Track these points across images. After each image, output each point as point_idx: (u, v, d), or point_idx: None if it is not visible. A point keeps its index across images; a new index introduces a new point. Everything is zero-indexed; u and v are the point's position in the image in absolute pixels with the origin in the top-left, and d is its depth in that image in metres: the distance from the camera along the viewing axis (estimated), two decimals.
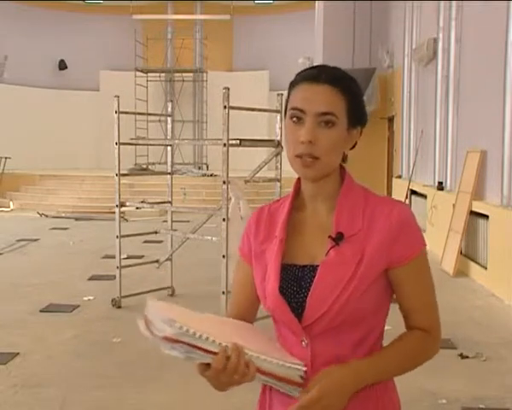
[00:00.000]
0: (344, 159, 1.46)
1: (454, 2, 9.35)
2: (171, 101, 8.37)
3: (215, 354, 1.24)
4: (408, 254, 1.38)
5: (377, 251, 1.37)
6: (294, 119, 1.39)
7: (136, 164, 19.70)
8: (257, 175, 6.06)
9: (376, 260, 1.37)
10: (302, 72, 1.45)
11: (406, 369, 1.42)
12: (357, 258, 1.36)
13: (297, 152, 1.38)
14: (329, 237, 1.39)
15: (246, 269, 1.52)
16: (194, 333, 1.22)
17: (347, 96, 1.39)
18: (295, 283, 1.41)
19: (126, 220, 12.75)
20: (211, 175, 17.65)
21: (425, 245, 1.43)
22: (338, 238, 1.38)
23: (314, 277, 1.38)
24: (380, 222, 1.38)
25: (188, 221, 11.66)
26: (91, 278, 7.90)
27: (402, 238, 1.37)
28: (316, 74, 1.40)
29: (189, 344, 1.22)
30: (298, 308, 1.39)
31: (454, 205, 8.55)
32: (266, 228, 1.50)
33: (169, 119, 7.36)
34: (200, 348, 1.23)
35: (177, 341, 1.21)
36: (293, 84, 1.44)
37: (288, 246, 1.45)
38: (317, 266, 1.39)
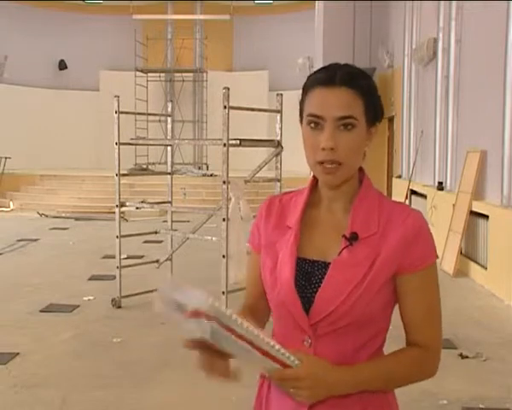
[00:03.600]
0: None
1: (454, 3, 9.35)
2: (171, 101, 8.37)
3: (242, 338, 1.20)
4: (418, 263, 1.37)
5: (390, 257, 1.35)
6: (312, 125, 1.37)
7: (136, 164, 19.70)
8: (257, 175, 6.06)
9: (388, 265, 1.36)
10: (315, 74, 1.42)
11: (397, 386, 1.41)
12: (369, 261, 1.35)
13: (319, 159, 1.35)
14: (343, 236, 1.37)
15: (257, 260, 1.51)
16: (225, 312, 1.18)
17: (364, 96, 1.37)
18: (305, 277, 1.40)
19: (126, 220, 12.75)
20: (211, 175, 17.65)
21: (436, 258, 1.41)
22: (352, 238, 1.36)
23: (324, 274, 1.37)
24: (395, 228, 1.37)
25: (188, 221, 11.67)
26: (91, 278, 7.90)
27: (415, 246, 1.36)
28: (330, 76, 1.36)
29: (220, 323, 1.17)
30: (305, 304, 1.37)
31: (454, 205, 8.55)
32: (277, 218, 1.49)
33: (169, 119, 7.36)
34: (230, 330, 1.19)
35: (208, 317, 1.16)
36: (307, 88, 1.41)
37: (300, 241, 1.44)
38: (329, 263, 1.38)
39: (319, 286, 1.37)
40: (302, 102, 1.42)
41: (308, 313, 1.36)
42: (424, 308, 1.39)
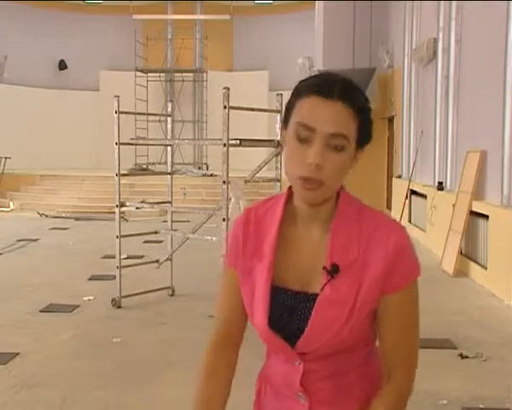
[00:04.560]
0: None
1: (454, 3, 9.35)
2: (171, 101, 8.37)
3: None
4: (403, 283, 1.32)
5: (373, 284, 1.31)
6: (301, 135, 1.27)
7: (136, 164, 19.71)
8: (257, 175, 6.06)
9: (372, 292, 1.31)
10: (310, 79, 1.32)
11: None
12: (354, 293, 1.30)
13: (302, 174, 1.26)
14: (324, 268, 1.31)
15: (235, 277, 1.44)
16: None
17: (360, 117, 1.29)
18: (287, 311, 1.36)
19: (126, 220, 12.75)
20: (211, 175, 17.65)
21: (419, 274, 1.36)
22: (333, 271, 1.30)
23: (307, 307, 1.33)
24: (376, 251, 1.31)
25: (188, 221, 11.67)
26: (91, 278, 7.89)
27: (398, 267, 1.31)
28: (328, 87, 1.27)
29: None
30: (291, 337, 1.35)
31: (454, 205, 8.55)
32: (254, 240, 1.40)
33: (169, 119, 7.36)
34: None
35: None
36: (299, 94, 1.31)
37: (279, 266, 1.36)
38: (311, 294, 1.33)
39: (303, 319, 1.33)
40: (291, 107, 1.32)
41: (295, 344, 1.34)
42: (403, 326, 1.36)
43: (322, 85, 1.28)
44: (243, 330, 1.48)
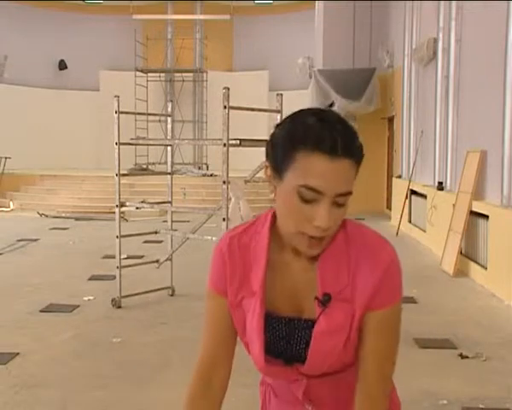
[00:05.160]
0: None
1: (454, 3, 9.35)
2: (171, 101, 8.36)
3: None
4: (383, 304, 1.31)
5: (364, 305, 1.30)
6: (306, 198, 1.20)
7: (136, 164, 19.71)
8: (257, 175, 6.06)
9: (363, 313, 1.31)
10: (305, 124, 1.22)
11: None
12: (349, 319, 1.30)
13: (308, 233, 1.23)
14: (316, 298, 1.29)
15: (221, 302, 1.38)
16: None
17: (358, 163, 1.24)
18: (283, 340, 1.36)
19: (126, 220, 12.75)
20: (211, 175, 17.65)
21: (401, 298, 1.34)
22: (325, 300, 1.29)
23: (304, 334, 1.33)
24: (365, 275, 1.29)
25: (188, 221, 11.67)
26: (91, 278, 7.89)
27: (383, 289, 1.29)
28: (332, 142, 1.18)
29: None
30: (291, 360, 1.36)
31: (454, 205, 8.55)
32: (241, 270, 1.35)
33: (169, 119, 7.36)
34: None
35: None
36: (296, 144, 1.21)
37: (269, 293, 1.34)
38: (305, 320, 1.33)
39: (301, 344, 1.34)
40: (286, 156, 1.22)
41: (294, 364, 1.36)
42: (381, 343, 1.33)
43: (323, 138, 1.19)
44: (229, 373, 1.43)
